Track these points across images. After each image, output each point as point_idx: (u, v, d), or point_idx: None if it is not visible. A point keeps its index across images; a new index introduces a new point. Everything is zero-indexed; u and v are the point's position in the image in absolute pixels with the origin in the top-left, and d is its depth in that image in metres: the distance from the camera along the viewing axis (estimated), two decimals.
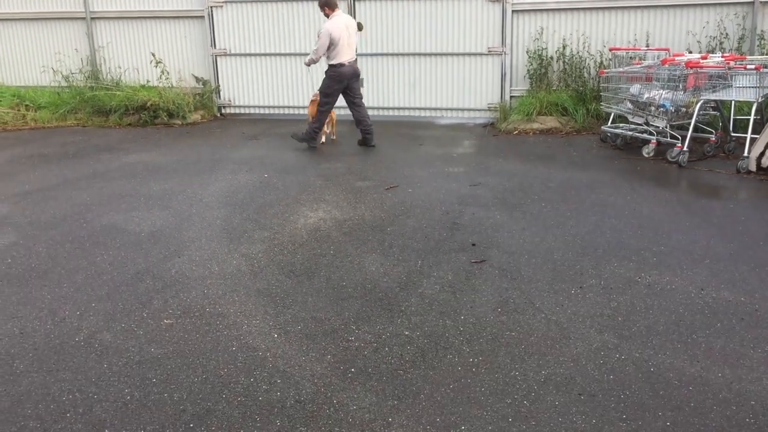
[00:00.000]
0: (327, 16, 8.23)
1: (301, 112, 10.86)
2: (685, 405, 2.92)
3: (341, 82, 8.21)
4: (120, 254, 4.86)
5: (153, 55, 10.86)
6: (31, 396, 3.08)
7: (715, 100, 7.45)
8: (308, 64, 8.41)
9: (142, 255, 4.84)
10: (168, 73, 10.78)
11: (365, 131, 8.52)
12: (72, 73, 11.43)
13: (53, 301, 4.10)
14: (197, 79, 11.13)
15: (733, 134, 7.72)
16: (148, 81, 11.12)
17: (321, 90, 8.29)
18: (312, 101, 8.54)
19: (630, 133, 7.95)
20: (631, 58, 8.63)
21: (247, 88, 11.05)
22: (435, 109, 10.49)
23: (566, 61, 9.63)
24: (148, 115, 10.39)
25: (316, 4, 10.34)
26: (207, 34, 10.89)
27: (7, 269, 4.61)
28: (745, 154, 6.89)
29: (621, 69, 8.26)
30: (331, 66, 8.18)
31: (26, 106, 10.93)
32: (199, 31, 11.01)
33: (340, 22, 8.11)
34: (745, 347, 3.40)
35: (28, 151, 8.68)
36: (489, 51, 9.97)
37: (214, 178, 7.01)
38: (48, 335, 3.66)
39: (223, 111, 11.24)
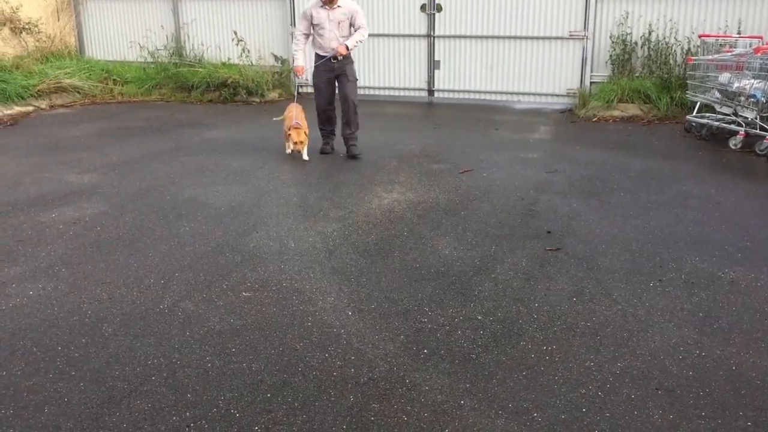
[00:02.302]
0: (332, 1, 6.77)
1: (378, 92, 10.91)
2: None
3: None
4: (201, 227, 5.03)
5: (235, 33, 11.06)
6: (119, 358, 3.23)
7: None
8: (351, 49, 6.98)
9: (221, 228, 4.99)
10: (248, 51, 10.98)
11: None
12: (157, 50, 11.79)
13: (139, 269, 4.28)
14: (276, 58, 11.30)
15: None
16: (228, 59, 11.36)
17: (355, 77, 7.20)
18: (294, 127, 6.91)
19: (717, 123, 7.66)
20: (721, 45, 8.28)
21: None
22: (512, 93, 10.34)
23: (651, 47, 9.31)
24: (228, 92, 10.64)
25: None
26: (287, 13, 11.03)
27: (96, 236, 4.84)
28: None
29: (710, 57, 7.94)
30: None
31: (114, 80, 11.36)
32: (280, 10, 11.15)
33: None
34: None
35: (115, 124, 9.02)
36: (570, 35, 9.74)
37: (290, 156, 7.12)
38: (134, 301, 3.83)
39: (299, 90, 11.35)
